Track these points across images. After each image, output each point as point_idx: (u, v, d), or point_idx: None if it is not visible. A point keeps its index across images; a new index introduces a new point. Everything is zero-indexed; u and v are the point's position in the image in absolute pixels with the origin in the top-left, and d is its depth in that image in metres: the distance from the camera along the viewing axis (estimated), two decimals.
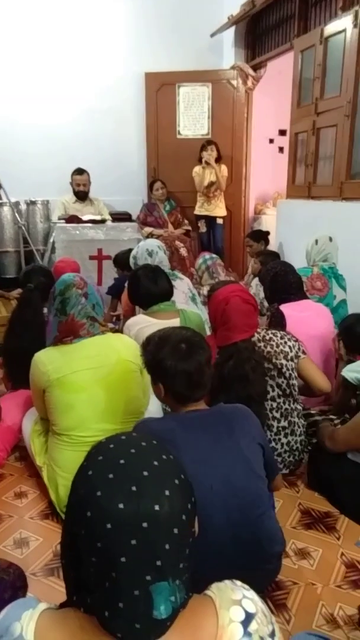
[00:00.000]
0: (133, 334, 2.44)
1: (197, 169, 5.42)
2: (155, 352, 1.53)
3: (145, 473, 0.72)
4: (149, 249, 3.14)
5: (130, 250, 3.87)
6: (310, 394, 2.33)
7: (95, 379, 1.90)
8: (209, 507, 1.31)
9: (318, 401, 2.53)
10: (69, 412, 1.89)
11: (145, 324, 2.45)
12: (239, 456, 1.43)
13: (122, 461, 0.73)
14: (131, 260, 3.30)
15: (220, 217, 5.57)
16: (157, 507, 0.70)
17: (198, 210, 5.58)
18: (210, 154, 5.30)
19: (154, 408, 2.26)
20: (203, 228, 5.61)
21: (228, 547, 1.35)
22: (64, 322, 1.94)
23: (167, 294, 2.58)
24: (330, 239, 3.21)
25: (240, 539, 1.37)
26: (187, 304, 3.03)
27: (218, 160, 5.37)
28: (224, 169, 5.43)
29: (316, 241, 3.22)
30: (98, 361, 1.93)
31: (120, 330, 2.73)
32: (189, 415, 1.49)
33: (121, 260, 4.02)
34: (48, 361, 1.91)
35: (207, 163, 5.29)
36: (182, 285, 3.09)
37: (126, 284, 3.18)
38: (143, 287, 2.56)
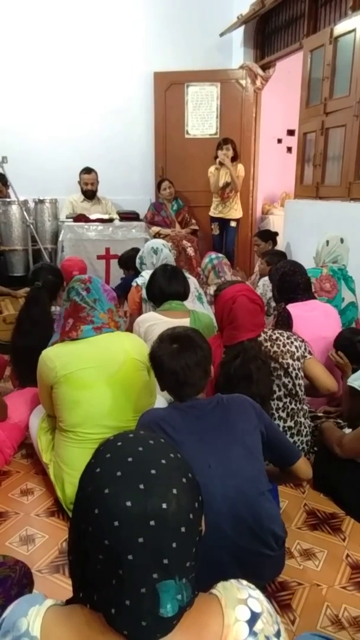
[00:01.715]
0: (143, 331, 2.48)
1: (212, 169, 5.29)
2: (154, 347, 1.61)
3: (153, 471, 0.72)
4: (154, 247, 3.19)
5: (133, 249, 3.89)
6: (316, 394, 2.32)
7: (103, 376, 1.91)
8: (207, 485, 1.33)
9: (322, 402, 2.53)
10: (75, 408, 1.90)
11: (154, 321, 2.49)
12: (236, 438, 1.48)
13: (130, 459, 0.73)
14: (137, 261, 3.32)
15: (234, 220, 5.46)
16: (164, 506, 0.70)
17: (212, 212, 5.48)
18: (225, 153, 5.15)
19: (160, 406, 2.26)
20: (216, 231, 5.51)
21: (228, 526, 1.38)
22: (67, 308, 2.01)
23: (178, 294, 2.63)
24: (342, 241, 3.19)
25: (240, 517, 1.40)
26: (193, 302, 3.05)
27: (235, 159, 5.24)
28: (240, 169, 5.29)
29: (327, 242, 3.21)
30: (106, 358, 1.94)
31: (129, 329, 2.75)
32: (188, 403, 1.56)
33: (125, 260, 4.02)
34: (56, 357, 1.92)
35: (221, 163, 5.17)
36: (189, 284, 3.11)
37: (133, 283, 3.20)
38: (157, 284, 2.64)
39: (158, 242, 3.33)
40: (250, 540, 1.41)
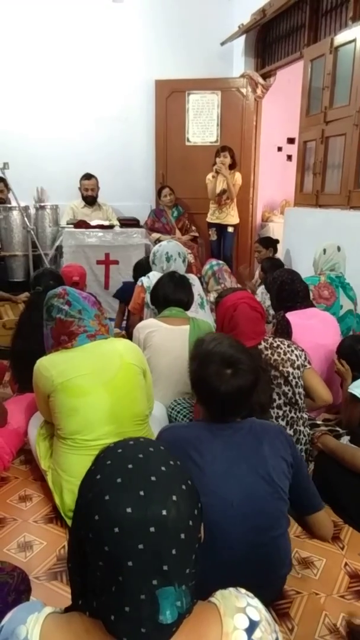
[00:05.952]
0: (142, 337, 2.48)
1: (209, 176, 5.32)
2: (199, 370, 1.47)
3: (153, 478, 0.72)
4: (169, 254, 3.08)
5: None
6: (311, 405, 2.32)
7: (100, 382, 1.90)
8: (226, 523, 1.30)
9: (321, 410, 2.53)
10: (73, 415, 1.89)
11: (154, 328, 2.50)
12: (264, 475, 1.39)
13: (130, 466, 0.74)
14: (151, 257, 3.25)
15: (231, 226, 5.48)
16: (164, 512, 0.70)
17: (210, 218, 5.50)
18: (222, 161, 5.17)
19: (158, 413, 2.27)
20: (214, 236, 5.53)
21: (239, 566, 1.33)
22: (54, 327, 1.97)
23: (181, 302, 2.63)
24: (339, 249, 3.21)
25: (252, 560, 1.35)
26: (195, 310, 3.04)
27: (233, 167, 5.26)
28: (238, 177, 5.30)
29: (324, 250, 3.23)
30: (102, 364, 1.93)
31: (129, 332, 2.74)
32: (218, 426, 1.46)
33: (139, 268, 3.95)
34: (51, 366, 1.91)
35: (217, 171, 5.19)
36: (193, 290, 3.08)
37: (138, 282, 3.18)
38: (162, 290, 2.65)
39: (174, 250, 3.12)
40: (257, 579, 1.36)
